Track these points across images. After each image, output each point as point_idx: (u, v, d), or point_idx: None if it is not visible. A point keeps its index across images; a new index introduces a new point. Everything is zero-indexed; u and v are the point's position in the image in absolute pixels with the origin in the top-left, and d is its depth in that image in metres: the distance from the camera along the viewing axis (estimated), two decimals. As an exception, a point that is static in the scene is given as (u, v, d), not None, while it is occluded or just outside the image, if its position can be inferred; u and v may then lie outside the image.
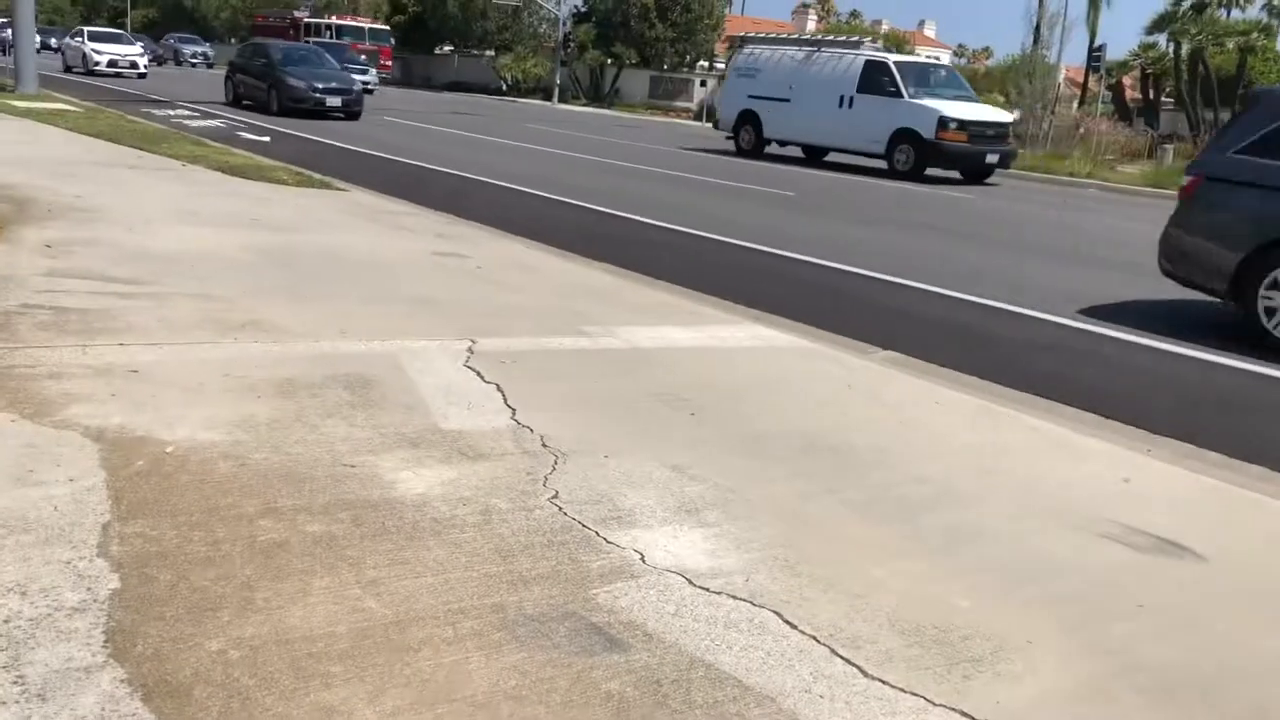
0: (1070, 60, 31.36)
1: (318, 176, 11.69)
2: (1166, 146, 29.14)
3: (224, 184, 10.55)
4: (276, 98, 23.99)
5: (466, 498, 3.31)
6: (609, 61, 53.03)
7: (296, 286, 6.08)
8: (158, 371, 4.23)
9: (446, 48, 62.36)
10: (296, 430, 3.75)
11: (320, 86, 24.01)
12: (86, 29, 42.24)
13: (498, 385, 4.51)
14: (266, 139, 17.54)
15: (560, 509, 3.29)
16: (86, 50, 38.46)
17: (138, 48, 40.31)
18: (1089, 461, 4.40)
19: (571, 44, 50.34)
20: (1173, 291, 8.27)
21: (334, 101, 23.96)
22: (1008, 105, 44.37)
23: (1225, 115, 33.84)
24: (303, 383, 4.28)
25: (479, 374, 4.66)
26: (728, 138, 24.50)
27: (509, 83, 53.68)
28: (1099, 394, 5.68)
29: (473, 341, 5.18)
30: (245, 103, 25.24)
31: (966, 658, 2.63)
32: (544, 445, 3.85)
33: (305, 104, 23.62)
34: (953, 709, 2.40)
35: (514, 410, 4.21)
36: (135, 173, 10.67)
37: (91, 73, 37.11)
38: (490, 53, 59.47)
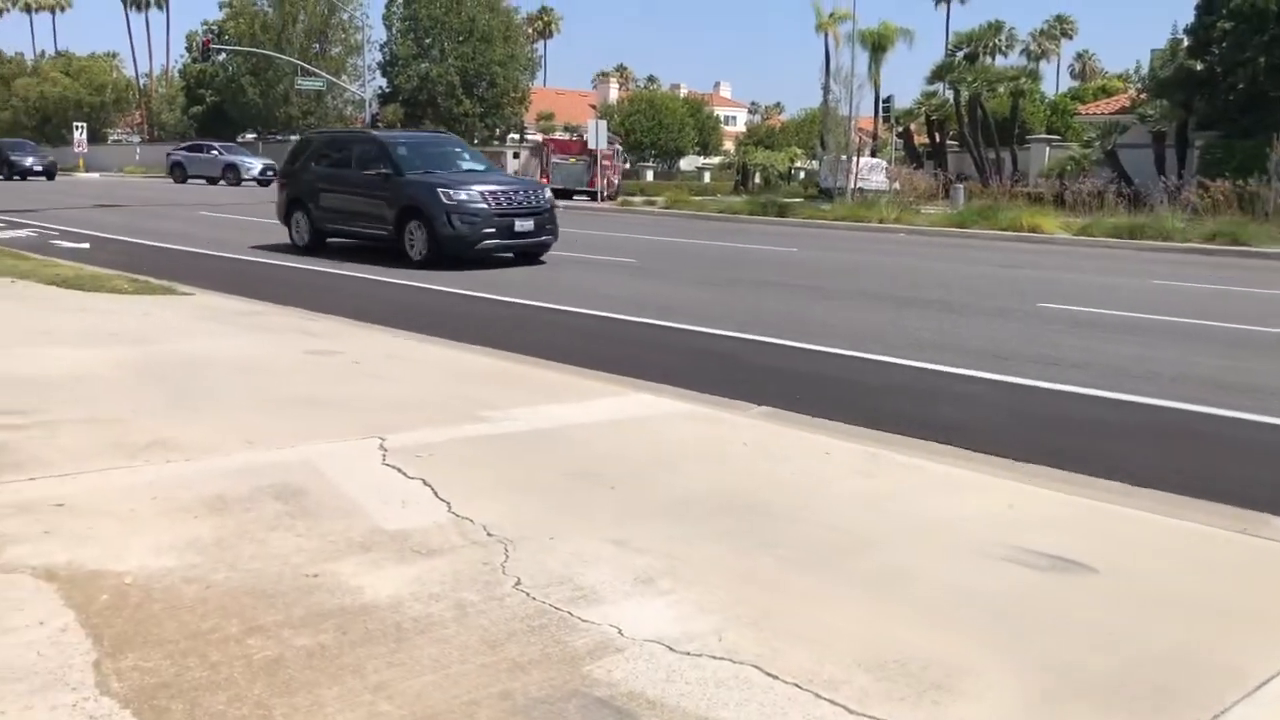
0: (858, 111, 33.40)
1: (156, 281, 11.40)
2: (958, 186, 31.30)
3: (63, 298, 10.20)
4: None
5: (436, 594, 3.45)
6: (422, 140, 53.13)
7: (182, 400, 6.03)
8: (83, 502, 4.19)
9: (249, 135, 61.11)
10: (246, 546, 3.80)
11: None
12: None
13: (423, 480, 4.64)
14: (85, 245, 16.92)
15: (528, 594, 3.47)
16: None
17: None
18: (973, 492, 4.85)
19: (379, 125, 50.33)
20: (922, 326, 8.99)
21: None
22: (807, 155, 46.71)
23: (1005, 154, 36.69)
24: (232, 498, 4.32)
25: (400, 470, 4.78)
26: None
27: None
28: (958, 429, 6.22)
29: (382, 439, 5.28)
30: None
31: (930, 684, 2.95)
32: (489, 534, 4.02)
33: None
34: (933, 731, 2.71)
35: (449, 504, 4.35)
36: (-39, 293, 10.20)
37: None
38: (295, 137, 58.89)
